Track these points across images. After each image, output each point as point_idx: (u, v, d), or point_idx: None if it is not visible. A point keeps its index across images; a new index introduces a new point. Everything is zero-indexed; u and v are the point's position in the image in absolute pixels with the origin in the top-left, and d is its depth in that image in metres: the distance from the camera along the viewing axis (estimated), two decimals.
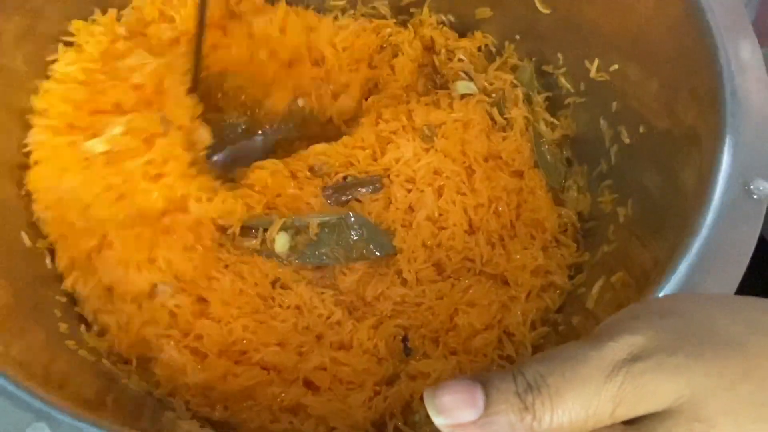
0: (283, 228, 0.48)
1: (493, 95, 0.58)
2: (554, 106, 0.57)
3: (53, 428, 0.29)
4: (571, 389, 0.22)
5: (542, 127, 0.56)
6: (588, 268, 0.49)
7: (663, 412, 0.22)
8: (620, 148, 0.48)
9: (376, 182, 0.51)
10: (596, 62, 0.51)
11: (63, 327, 0.43)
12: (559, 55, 0.55)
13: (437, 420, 0.23)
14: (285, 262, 0.49)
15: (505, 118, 0.56)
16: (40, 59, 0.49)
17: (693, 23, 0.38)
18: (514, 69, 0.59)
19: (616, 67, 0.49)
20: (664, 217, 0.39)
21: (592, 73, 0.51)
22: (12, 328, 0.38)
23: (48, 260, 0.47)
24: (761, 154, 0.34)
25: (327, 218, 0.49)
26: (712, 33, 0.37)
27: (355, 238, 0.49)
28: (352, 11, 0.62)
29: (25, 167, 0.47)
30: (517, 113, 0.55)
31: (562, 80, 0.55)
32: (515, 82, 0.57)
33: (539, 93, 0.57)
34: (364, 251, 0.49)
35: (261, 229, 0.49)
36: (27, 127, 0.48)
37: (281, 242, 0.48)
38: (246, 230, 0.49)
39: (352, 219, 0.49)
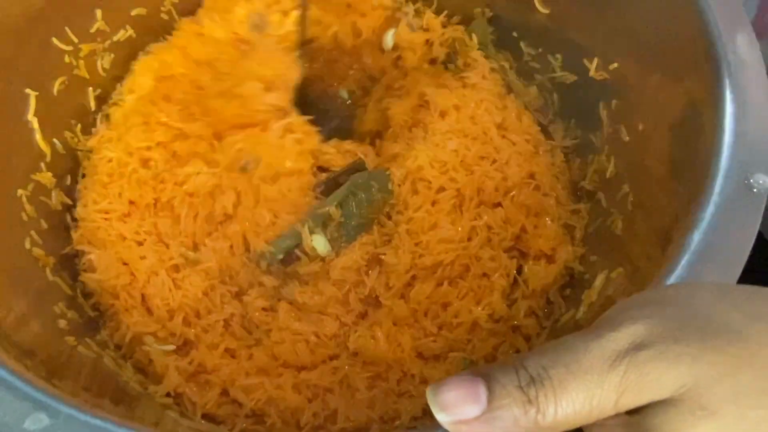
0: (312, 232, 0.49)
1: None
2: None
3: (53, 418, 0.29)
4: (574, 380, 0.22)
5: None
6: (586, 263, 0.49)
7: (666, 400, 0.22)
8: (619, 145, 0.49)
9: (359, 166, 0.53)
10: (595, 61, 0.51)
11: (62, 323, 0.43)
12: (558, 55, 0.55)
13: (440, 417, 0.23)
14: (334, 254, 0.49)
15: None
16: None
17: (692, 20, 0.39)
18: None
19: (615, 65, 0.49)
20: (664, 212, 0.39)
21: (591, 72, 0.51)
22: (12, 322, 0.38)
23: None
24: (761, 149, 0.34)
25: (338, 197, 0.50)
26: (711, 29, 0.38)
27: (368, 193, 0.50)
28: None
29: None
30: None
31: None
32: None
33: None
34: (380, 198, 0.51)
35: (294, 247, 0.49)
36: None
37: (320, 244, 0.49)
38: (288, 258, 0.49)
39: (358, 182, 0.51)
